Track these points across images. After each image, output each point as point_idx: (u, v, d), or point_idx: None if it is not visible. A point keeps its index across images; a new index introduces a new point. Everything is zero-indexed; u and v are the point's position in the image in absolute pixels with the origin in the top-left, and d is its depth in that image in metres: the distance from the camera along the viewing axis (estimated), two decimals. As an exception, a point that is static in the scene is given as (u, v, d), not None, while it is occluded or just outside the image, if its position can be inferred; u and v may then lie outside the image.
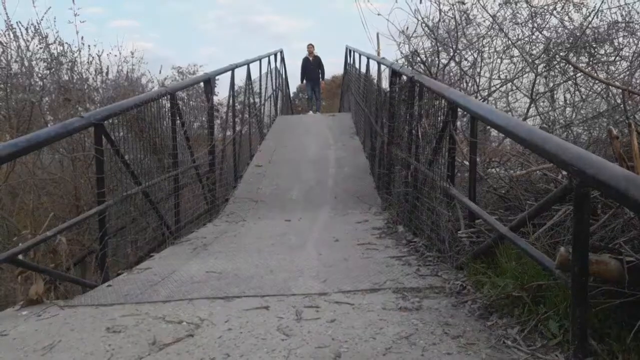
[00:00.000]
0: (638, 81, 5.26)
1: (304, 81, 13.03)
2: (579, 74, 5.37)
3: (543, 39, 5.85)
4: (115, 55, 9.20)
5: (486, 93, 6.02)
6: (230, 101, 7.21)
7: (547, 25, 5.90)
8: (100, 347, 2.06)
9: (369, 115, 7.50)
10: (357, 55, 10.14)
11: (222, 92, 9.04)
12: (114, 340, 2.12)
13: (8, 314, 2.63)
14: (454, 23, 5.77)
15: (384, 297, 2.54)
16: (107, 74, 7.77)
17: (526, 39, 5.93)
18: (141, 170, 4.41)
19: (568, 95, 5.77)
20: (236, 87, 7.81)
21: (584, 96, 5.57)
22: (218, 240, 4.40)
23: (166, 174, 4.69)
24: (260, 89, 9.83)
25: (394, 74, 5.28)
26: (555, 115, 5.71)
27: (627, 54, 5.52)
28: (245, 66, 8.34)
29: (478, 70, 6.09)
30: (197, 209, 5.50)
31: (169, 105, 4.81)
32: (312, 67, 12.72)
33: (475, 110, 2.87)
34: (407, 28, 5.82)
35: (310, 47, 12.83)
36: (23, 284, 3.03)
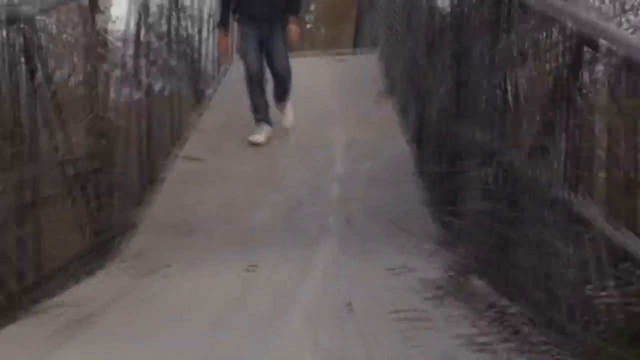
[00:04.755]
0: None
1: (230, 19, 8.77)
2: None
3: None
4: None
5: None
6: (136, 28, 7.03)
7: None
8: None
9: (415, 56, 7.28)
10: None
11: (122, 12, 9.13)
12: None
13: None
14: None
15: None
16: None
17: None
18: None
19: None
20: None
21: None
22: (113, 307, 4.30)
23: (5, 175, 4.53)
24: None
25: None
26: None
27: None
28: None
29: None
30: (71, 246, 5.45)
31: (22, 41, 4.85)
32: None
33: (628, 51, 2.92)
34: None
35: None
36: None
